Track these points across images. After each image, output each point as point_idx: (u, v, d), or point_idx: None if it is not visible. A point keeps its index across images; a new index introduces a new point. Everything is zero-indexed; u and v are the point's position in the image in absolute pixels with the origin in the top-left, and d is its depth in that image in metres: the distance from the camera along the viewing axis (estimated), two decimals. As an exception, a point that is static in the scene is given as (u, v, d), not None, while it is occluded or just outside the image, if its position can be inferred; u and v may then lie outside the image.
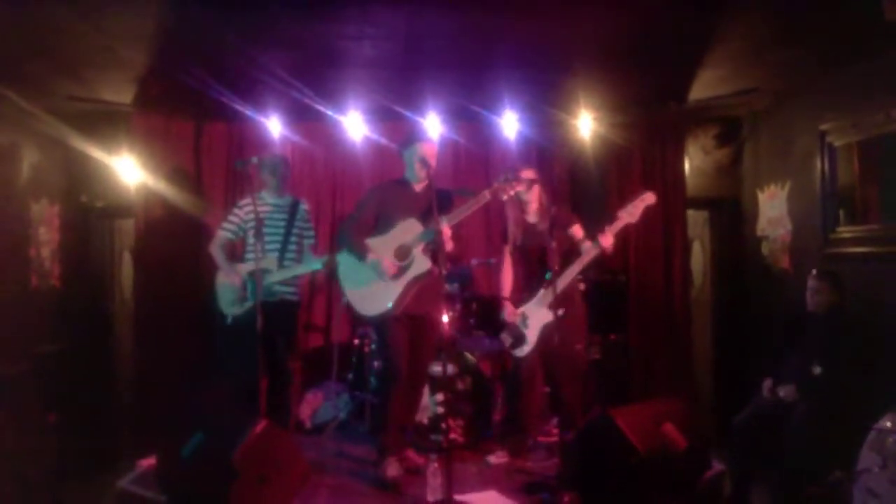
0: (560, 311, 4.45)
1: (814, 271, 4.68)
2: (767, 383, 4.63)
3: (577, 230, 4.73)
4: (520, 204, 4.67)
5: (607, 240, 4.45)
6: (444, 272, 4.07)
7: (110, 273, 6.76)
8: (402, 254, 4.30)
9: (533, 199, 4.70)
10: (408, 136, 4.56)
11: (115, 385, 6.49)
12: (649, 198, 4.57)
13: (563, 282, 4.51)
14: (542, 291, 4.49)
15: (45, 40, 4.40)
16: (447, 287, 5.08)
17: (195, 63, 4.92)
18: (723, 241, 6.84)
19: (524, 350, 4.59)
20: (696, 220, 6.90)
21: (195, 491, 3.61)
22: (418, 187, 4.45)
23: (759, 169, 6.39)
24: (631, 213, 4.52)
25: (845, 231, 5.14)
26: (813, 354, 4.48)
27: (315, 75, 5.22)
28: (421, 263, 4.29)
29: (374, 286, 4.32)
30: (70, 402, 5.71)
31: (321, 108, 5.75)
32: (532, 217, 4.70)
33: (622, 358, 5.96)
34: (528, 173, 4.63)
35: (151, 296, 5.91)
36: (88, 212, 6.44)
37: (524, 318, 4.58)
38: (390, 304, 4.27)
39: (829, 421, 4.22)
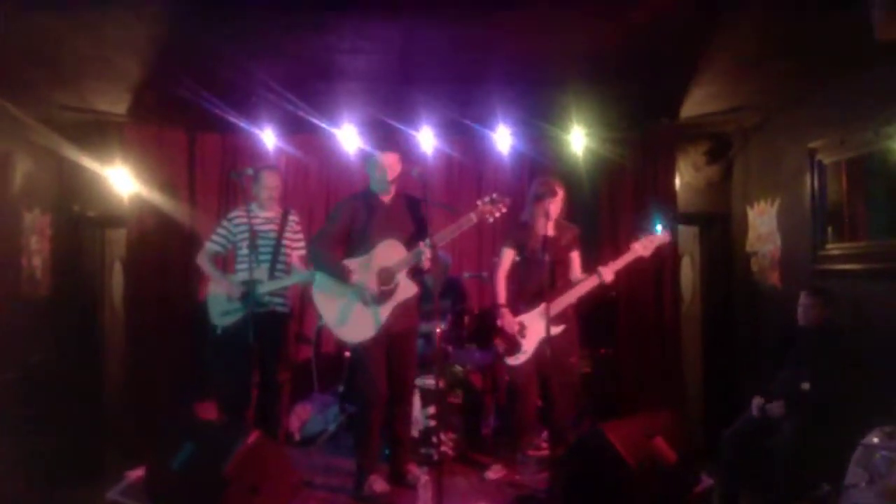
0: (561, 328, 4.52)
1: (807, 288, 4.71)
2: (757, 401, 4.62)
3: (575, 255, 4.78)
4: (541, 214, 4.59)
5: (609, 275, 4.55)
6: (434, 288, 4.07)
7: (101, 283, 6.74)
8: (387, 278, 4.21)
9: (555, 210, 4.66)
10: (371, 145, 4.55)
11: (105, 395, 6.46)
12: (665, 237, 4.69)
13: (565, 302, 4.58)
14: (543, 305, 4.40)
15: (40, 50, 4.40)
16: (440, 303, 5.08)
17: (189, 74, 4.93)
18: (713, 256, 6.87)
19: (519, 359, 4.58)
20: (687, 236, 6.95)
21: (186, 502, 3.62)
22: (386, 199, 4.39)
23: (748, 185, 6.44)
24: (645, 247, 4.61)
25: (834, 248, 5.17)
26: (802, 370, 4.51)
27: (309, 88, 5.23)
28: (407, 288, 4.25)
29: (357, 311, 4.22)
30: (59, 412, 5.68)
31: (315, 121, 5.76)
32: (552, 230, 4.64)
33: (612, 372, 5.98)
34: (553, 186, 4.62)
35: (142, 306, 5.90)
36: (80, 221, 6.42)
37: (522, 327, 4.59)
38: (375, 331, 4.21)
39: (817, 436, 4.25)
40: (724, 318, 6.68)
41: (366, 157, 4.42)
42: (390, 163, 4.31)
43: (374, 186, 4.40)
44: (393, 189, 4.36)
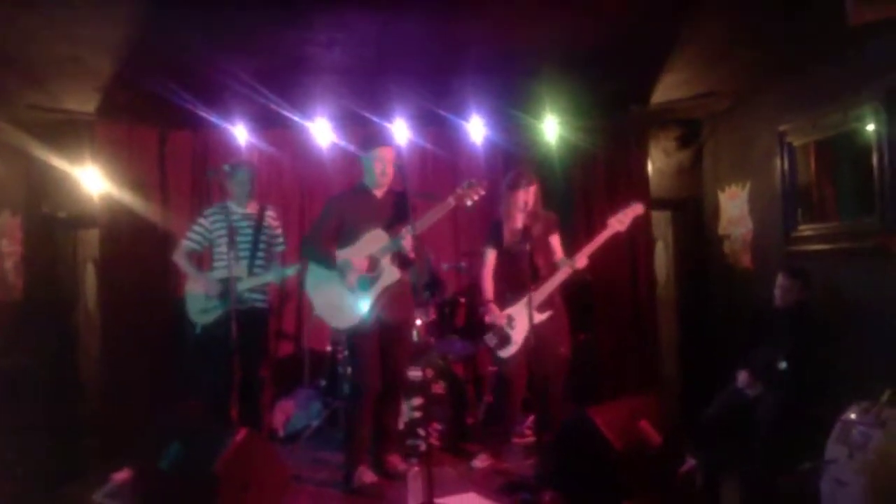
0: (546, 314, 4.56)
1: (784, 270, 4.77)
2: (743, 375, 4.70)
3: (555, 240, 4.81)
4: (516, 206, 4.65)
5: (582, 262, 4.59)
6: (418, 281, 4.11)
7: (74, 284, 6.64)
8: (371, 264, 4.31)
9: (529, 201, 4.69)
10: (366, 140, 4.58)
11: (82, 397, 6.38)
12: (639, 209, 4.72)
13: (546, 291, 4.61)
14: (529, 294, 4.42)
15: (7, 48, 4.32)
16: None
17: (160, 70, 4.87)
18: (685, 240, 6.95)
19: (509, 351, 4.63)
20: (659, 221, 7.00)
21: (175, 503, 3.60)
22: (379, 193, 4.48)
23: (719, 170, 6.53)
24: (621, 222, 4.64)
25: (805, 229, 5.27)
26: (778, 349, 4.59)
27: (282, 82, 5.19)
28: (390, 274, 4.32)
29: (345, 298, 4.32)
30: (36, 415, 5.61)
31: (288, 115, 5.74)
32: (528, 220, 4.69)
33: (591, 356, 6.04)
34: (525, 177, 4.66)
35: (117, 306, 5.83)
36: (51, 223, 6.32)
37: (510, 319, 4.63)
38: (362, 316, 4.29)
39: (796, 414, 4.33)
40: (698, 301, 6.77)
41: (363, 152, 4.48)
42: (389, 157, 4.40)
43: (368, 181, 4.48)
44: (386, 184, 4.45)
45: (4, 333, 5.63)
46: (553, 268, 4.71)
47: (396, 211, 4.41)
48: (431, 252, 5.84)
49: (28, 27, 4.01)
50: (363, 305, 4.29)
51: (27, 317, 5.95)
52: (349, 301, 4.31)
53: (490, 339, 4.69)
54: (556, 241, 4.83)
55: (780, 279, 4.72)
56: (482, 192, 4.33)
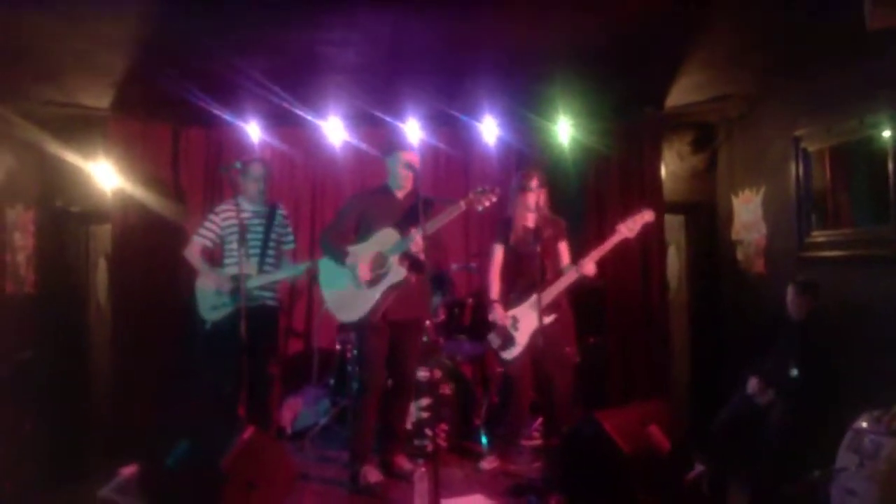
0: (551, 317, 4.52)
1: (795, 283, 4.71)
2: (753, 382, 4.67)
3: (563, 247, 4.78)
4: (526, 206, 4.64)
5: (590, 268, 4.54)
6: (422, 280, 4.11)
7: (86, 279, 6.68)
8: (379, 262, 4.33)
9: (540, 202, 4.67)
10: (390, 143, 4.63)
11: (91, 392, 6.41)
12: (648, 215, 4.63)
13: (551, 294, 4.57)
14: (533, 297, 4.40)
15: (22, 44, 4.34)
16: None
17: (174, 67, 4.88)
18: (698, 245, 6.92)
19: (513, 353, 4.61)
20: (672, 225, 6.97)
21: (182, 499, 3.60)
22: (400, 195, 4.51)
23: (733, 174, 6.49)
24: (631, 229, 4.57)
25: (819, 235, 5.23)
26: (789, 357, 4.56)
27: (296, 80, 5.20)
28: (397, 273, 4.31)
29: (352, 293, 4.36)
30: (45, 410, 5.63)
31: (301, 113, 5.74)
32: (536, 222, 4.66)
33: (601, 360, 6.01)
34: (535, 179, 4.64)
35: (128, 301, 5.86)
36: (64, 217, 6.35)
37: (514, 321, 4.61)
38: (366, 312, 4.31)
39: (806, 421, 4.30)
40: (710, 305, 6.73)
41: (387, 153, 4.54)
42: (414, 161, 4.43)
43: (391, 183, 4.52)
44: (407, 186, 4.49)
45: (15, 327, 5.65)
46: (559, 273, 4.68)
47: (414, 213, 4.41)
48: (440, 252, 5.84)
49: (43, 23, 4.02)
50: (368, 301, 4.31)
51: (38, 310, 5.98)
52: (355, 296, 4.35)
53: (493, 340, 4.67)
54: (564, 248, 4.79)
55: (791, 294, 4.67)
56: (494, 199, 4.30)
